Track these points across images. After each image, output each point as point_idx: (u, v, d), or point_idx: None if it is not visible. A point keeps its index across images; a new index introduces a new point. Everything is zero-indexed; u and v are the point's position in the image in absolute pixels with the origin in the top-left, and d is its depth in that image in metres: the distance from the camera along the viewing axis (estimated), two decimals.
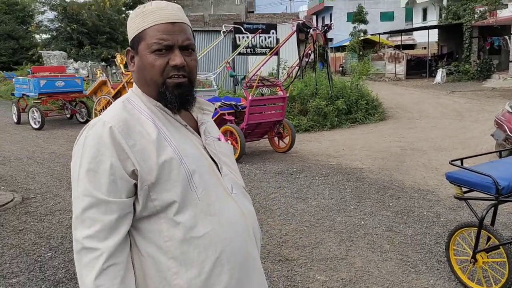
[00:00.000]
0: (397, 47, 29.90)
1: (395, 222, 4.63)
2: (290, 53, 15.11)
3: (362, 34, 32.05)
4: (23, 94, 12.37)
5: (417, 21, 35.52)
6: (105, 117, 1.23)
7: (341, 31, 36.12)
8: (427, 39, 25.73)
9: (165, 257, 1.21)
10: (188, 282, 1.21)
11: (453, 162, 3.22)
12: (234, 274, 1.26)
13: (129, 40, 1.33)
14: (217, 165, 1.33)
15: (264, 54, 11.89)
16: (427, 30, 25.60)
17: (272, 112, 8.03)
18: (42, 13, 29.25)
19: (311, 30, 8.05)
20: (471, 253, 3.22)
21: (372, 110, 12.06)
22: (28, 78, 12.16)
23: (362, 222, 4.65)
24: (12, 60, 27.14)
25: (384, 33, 31.16)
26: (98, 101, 10.87)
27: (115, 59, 12.03)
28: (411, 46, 34.93)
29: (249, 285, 1.31)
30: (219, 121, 7.46)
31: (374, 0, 40.14)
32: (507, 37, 21.34)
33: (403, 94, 17.81)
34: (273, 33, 13.42)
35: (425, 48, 29.72)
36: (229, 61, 9.91)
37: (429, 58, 26.28)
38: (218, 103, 7.78)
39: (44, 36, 27.40)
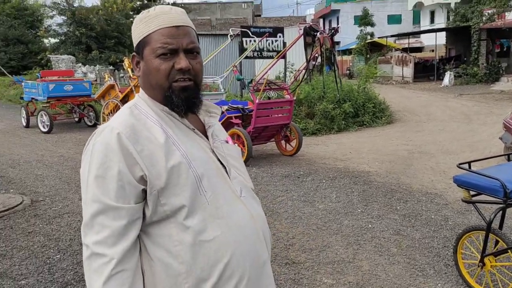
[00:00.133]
0: (404, 50, 29.81)
1: (403, 226, 4.61)
2: (297, 57, 15.12)
3: (369, 37, 31.97)
4: (32, 98, 12.47)
5: (425, 24, 35.42)
6: (113, 123, 1.24)
7: (348, 34, 36.05)
8: (434, 42, 25.62)
9: (175, 262, 1.21)
10: (198, 286, 1.22)
11: (461, 166, 3.21)
12: (244, 278, 1.26)
13: (134, 46, 1.34)
14: (225, 168, 1.34)
15: (271, 57, 11.92)
16: (434, 33, 25.49)
17: (279, 115, 8.04)
18: (51, 17, 29.52)
19: (318, 34, 8.04)
20: (479, 256, 3.20)
21: (379, 113, 12.03)
22: (37, 82, 12.26)
23: (370, 226, 4.64)
24: (21, 64, 27.34)
25: (392, 36, 31.07)
26: (106, 104, 10.93)
27: (123, 63, 12.12)
28: (419, 49, 34.81)
29: None
30: (226, 125, 7.50)
31: (382, 3, 40.08)
32: None
33: (410, 97, 17.74)
34: (280, 36, 13.45)
35: (432, 51, 29.56)
36: (236, 64, 9.94)
37: (437, 60, 26.16)
38: (225, 107, 7.81)
39: (53, 40, 27.58)
